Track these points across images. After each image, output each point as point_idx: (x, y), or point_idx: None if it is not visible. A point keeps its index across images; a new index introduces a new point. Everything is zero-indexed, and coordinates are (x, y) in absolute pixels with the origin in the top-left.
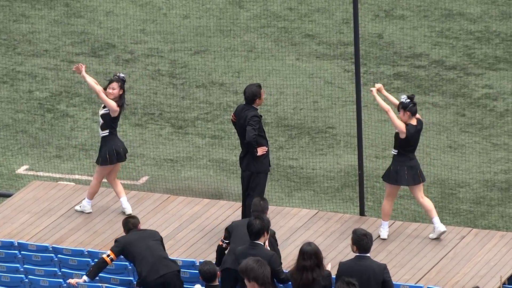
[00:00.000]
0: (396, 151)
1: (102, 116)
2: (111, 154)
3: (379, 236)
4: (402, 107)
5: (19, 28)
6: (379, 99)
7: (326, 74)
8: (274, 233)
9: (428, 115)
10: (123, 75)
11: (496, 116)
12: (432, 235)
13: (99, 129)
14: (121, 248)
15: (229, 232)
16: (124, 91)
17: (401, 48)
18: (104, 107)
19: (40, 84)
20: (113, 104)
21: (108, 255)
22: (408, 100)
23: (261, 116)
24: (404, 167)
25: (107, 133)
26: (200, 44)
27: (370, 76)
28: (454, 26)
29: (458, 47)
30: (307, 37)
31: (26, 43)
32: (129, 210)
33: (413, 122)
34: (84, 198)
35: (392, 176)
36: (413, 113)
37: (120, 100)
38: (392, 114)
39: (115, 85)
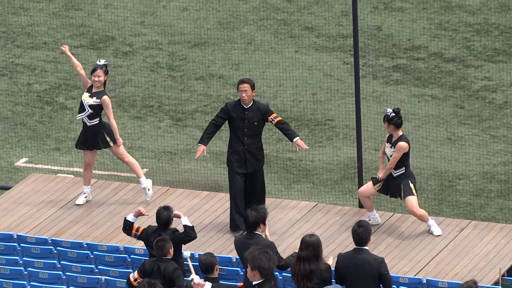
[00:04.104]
0: (404, 168)
1: (92, 106)
2: (112, 134)
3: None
4: (386, 120)
5: (18, 20)
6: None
7: (325, 66)
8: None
9: (427, 107)
10: (104, 61)
11: (495, 108)
12: (434, 231)
13: (86, 119)
14: None
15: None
16: (106, 79)
17: (400, 40)
18: (92, 96)
19: (39, 76)
20: (114, 124)
21: None
22: (393, 114)
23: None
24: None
25: (98, 121)
26: (199, 37)
27: (369, 69)
28: (453, 18)
29: (457, 39)
30: (306, 29)
31: (25, 35)
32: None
33: (400, 132)
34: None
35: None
36: (398, 126)
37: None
38: (391, 166)
39: (99, 72)
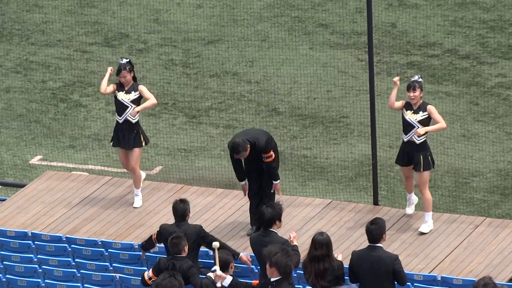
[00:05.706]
0: (426, 135)
1: (134, 101)
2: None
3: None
4: (419, 86)
5: (32, 18)
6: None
7: (340, 63)
8: (201, 226)
9: (442, 104)
10: (126, 59)
11: (509, 105)
12: (424, 229)
13: (129, 116)
14: None
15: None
16: (134, 73)
17: (415, 37)
18: (129, 92)
19: (53, 74)
20: (155, 101)
21: None
22: (421, 79)
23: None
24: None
25: (139, 117)
26: (213, 34)
27: (383, 66)
28: (468, 15)
29: (472, 36)
30: (321, 26)
31: (40, 33)
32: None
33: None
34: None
35: (430, 162)
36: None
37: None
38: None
39: (125, 73)
